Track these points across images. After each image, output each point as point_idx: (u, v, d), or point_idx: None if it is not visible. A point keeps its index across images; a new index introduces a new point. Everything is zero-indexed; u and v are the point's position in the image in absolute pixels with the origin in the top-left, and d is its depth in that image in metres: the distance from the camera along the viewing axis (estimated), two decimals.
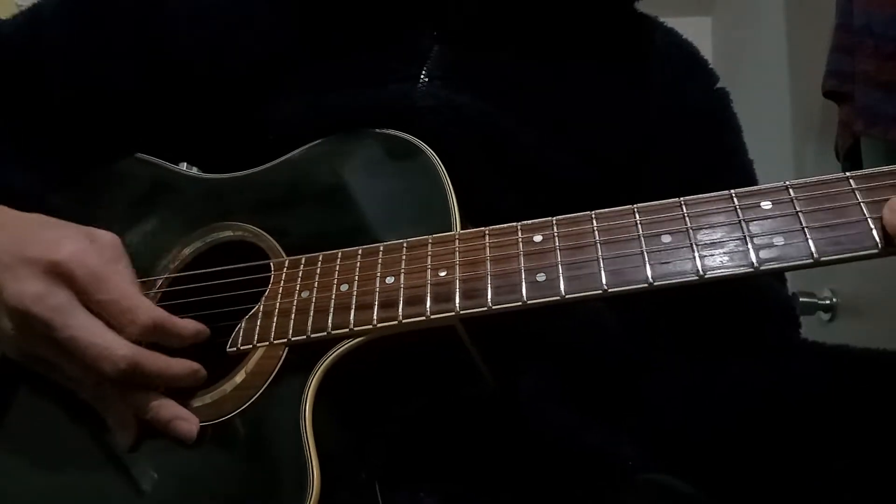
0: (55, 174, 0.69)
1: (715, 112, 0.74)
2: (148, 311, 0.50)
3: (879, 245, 0.44)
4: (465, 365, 0.53)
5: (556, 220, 0.51)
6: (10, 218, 0.54)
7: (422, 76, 0.65)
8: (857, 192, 0.46)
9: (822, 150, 1.66)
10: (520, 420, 0.59)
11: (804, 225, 0.45)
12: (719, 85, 0.76)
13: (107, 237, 0.53)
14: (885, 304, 1.43)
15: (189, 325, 0.54)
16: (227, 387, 0.52)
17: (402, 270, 0.51)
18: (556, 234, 0.50)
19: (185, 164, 0.74)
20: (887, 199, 0.43)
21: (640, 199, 0.64)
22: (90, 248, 0.51)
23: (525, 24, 0.69)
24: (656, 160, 0.70)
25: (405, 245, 0.53)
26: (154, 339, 0.52)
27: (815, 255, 0.45)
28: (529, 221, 0.51)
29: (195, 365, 0.52)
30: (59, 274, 0.48)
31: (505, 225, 0.52)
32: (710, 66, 0.77)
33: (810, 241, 0.45)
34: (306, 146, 0.62)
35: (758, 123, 2.39)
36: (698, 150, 0.71)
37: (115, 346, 0.48)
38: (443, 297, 0.49)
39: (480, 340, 0.53)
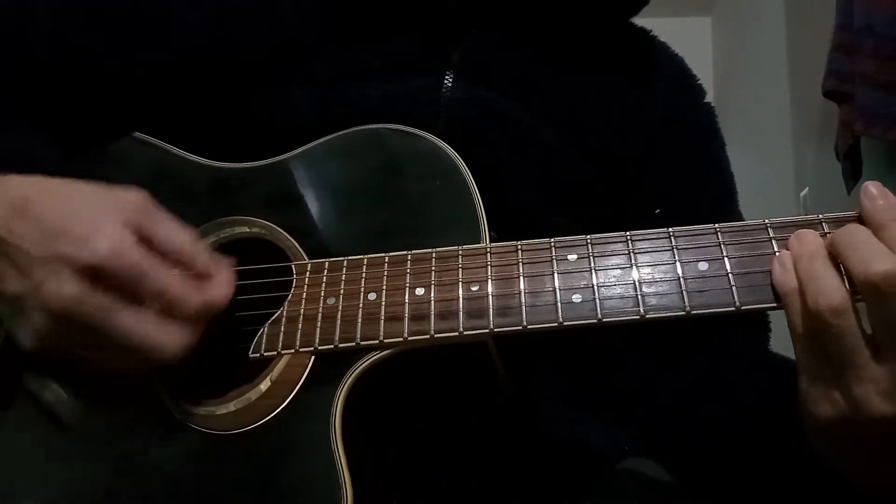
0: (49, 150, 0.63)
1: (705, 125, 0.77)
2: (190, 305, 0.49)
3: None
4: (490, 373, 0.53)
5: (590, 239, 0.50)
6: (36, 196, 0.49)
7: (447, 74, 0.65)
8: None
9: (822, 150, 1.66)
10: (531, 417, 0.59)
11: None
12: (718, 86, 0.77)
13: (138, 202, 0.50)
14: None
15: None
16: (252, 395, 0.52)
17: (433, 283, 0.50)
18: (591, 253, 0.49)
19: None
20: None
21: (635, 200, 0.64)
22: (126, 235, 0.48)
23: (540, 27, 0.70)
24: (652, 165, 0.71)
25: (434, 255, 0.51)
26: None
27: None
28: (563, 238, 0.50)
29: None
30: (98, 276, 0.46)
31: (537, 240, 0.51)
32: (699, 81, 0.79)
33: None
34: (323, 139, 0.59)
35: (758, 123, 2.41)
36: (689, 159, 0.74)
37: (166, 343, 0.47)
38: (476, 313, 0.48)
39: (507, 351, 0.53)
